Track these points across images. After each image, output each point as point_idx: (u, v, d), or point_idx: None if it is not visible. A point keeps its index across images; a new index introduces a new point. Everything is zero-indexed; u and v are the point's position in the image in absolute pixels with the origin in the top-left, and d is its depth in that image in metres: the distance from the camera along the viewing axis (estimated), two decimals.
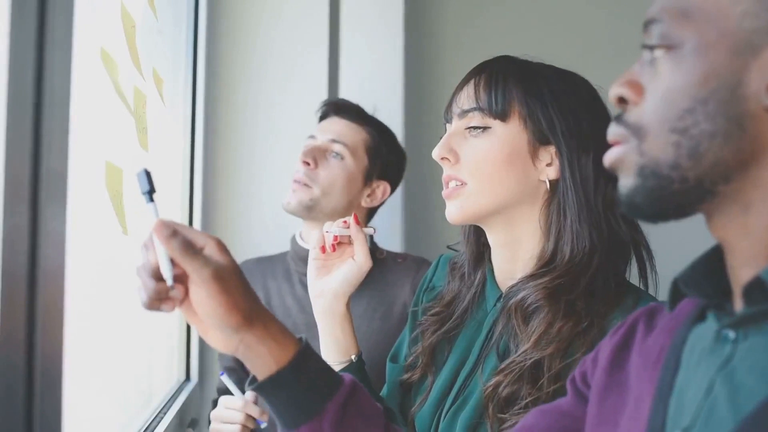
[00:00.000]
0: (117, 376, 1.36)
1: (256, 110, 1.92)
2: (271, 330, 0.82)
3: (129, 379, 1.42)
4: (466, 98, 1.04)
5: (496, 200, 1.02)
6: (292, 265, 1.67)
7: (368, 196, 1.68)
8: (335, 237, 1.14)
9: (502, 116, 1.02)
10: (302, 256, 1.63)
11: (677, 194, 0.62)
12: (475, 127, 1.03)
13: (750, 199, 0.61)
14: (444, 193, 1.05)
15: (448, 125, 1.07)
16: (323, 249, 1.14)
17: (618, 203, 0.68)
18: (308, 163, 1.63)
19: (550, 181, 1.02)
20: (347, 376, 0.88)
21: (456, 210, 1.04)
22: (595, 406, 0.76)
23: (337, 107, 1.70)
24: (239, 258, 1.89)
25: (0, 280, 0.66)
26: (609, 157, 0.67)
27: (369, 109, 1.75)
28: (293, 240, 1.70)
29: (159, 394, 1.59)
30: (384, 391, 1.19)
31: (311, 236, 1.64)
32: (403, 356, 1.18)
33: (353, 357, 1.12)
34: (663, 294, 1.02)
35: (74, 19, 0.77)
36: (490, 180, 1.02)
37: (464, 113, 1.04)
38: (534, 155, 1.02)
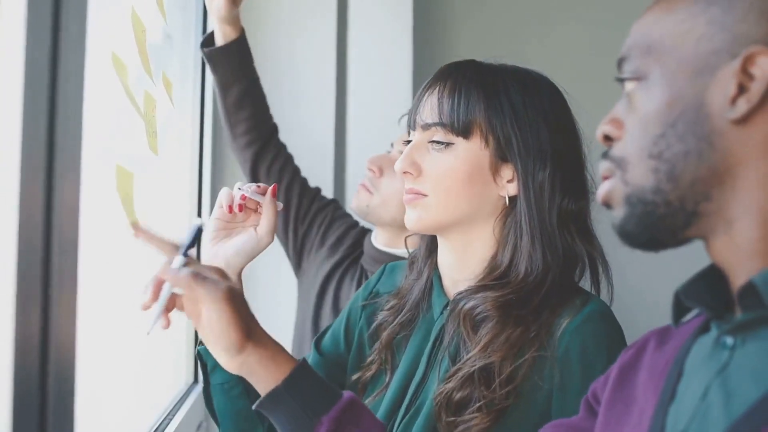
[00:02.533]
0: (125, 379, 1.37)
1: None
2: (269, 350, 0.90)
3: (137, 382, 1.43)
4: (429, 110, 1.04)
5: (455, 214, 1.03)
6: (368, 265, 1.65)
7: None
8: (243, 197, 1.08)
9: (465, 134, 1.02)
10: (375, 257, 1.63)
11: (664, 218, 0.66)
12: (437, 142, 1.03)
13: (733, 215, 0.64)
14: (404, 199, 1.06)
15: (411, 131, 1.07)
16: (230, 209, 1.09)
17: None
18: (373, 170, 1.61)
19: (509, 197, 1.03)
20: (347, 393, 0.92)
21: (415, 219, 1.05)
22: (602, 419, 0.78)
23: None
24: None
25: (15, 281, 0.67)
26: (600, 194, 0.71)
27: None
28: (368, 241, 1.67)
29: (167, 396, 1.59)
30: None
31: (379, 238, 1.64)
32: (325, 346, 1.18)
33: None
34: (617, 304, 1.04)
35: (87, 26, 0.78)
36: (450, 195, 1.02)
37: (428, 126, 1.04)
38: (495, 172, 1.02)
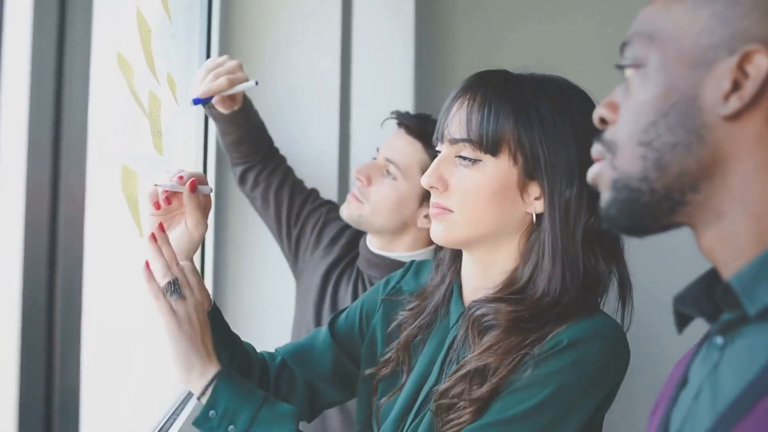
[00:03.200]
0: (130, 378, 1.37)
1: (267, 113, 1.93)
2: None
3: (142, 381, 1.43)
4: (457, 125, 1.02)
5: (481, 231, 1.02)
6: (364, 268, 1.67)
7: (425, 216, 1.60)
8: (165, 191, 1.04)
9: (493, 151, 1.00)
10: (370, 260, 1.64)
11: (649, 205, 0.66)
12: (465, 158, 1.01)
13: (722, 208, 0.64)
14: (431, 212, 1.05)
15: (439, 144, 1.05)
16: (156, 205, 1.07)
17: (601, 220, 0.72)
18: (361, 180, 1.62)
19: (536, 214, 1.01)
20: None
21: (441, 234, 1.04)
22: None
23: (400, 121, 1.63)
24: (250, 259, 1.92)
25: (21, 280, 0.67)
26: (589, 174, 0.72)
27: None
28: (363, 244, 1.68)
29: (172, 395, 1.60)
30: (297, 344, 1.21)
31: (374, 242, 1.66)
32: (341, 328, 1.18)
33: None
34: (637, 325, 1.03)
35: (93, 26, 0.78)
36: (476, 213, 1.01)
37: (455, 141, 1.02)
38: (523, 190, 1.01)
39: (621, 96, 0.70)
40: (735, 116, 0.63)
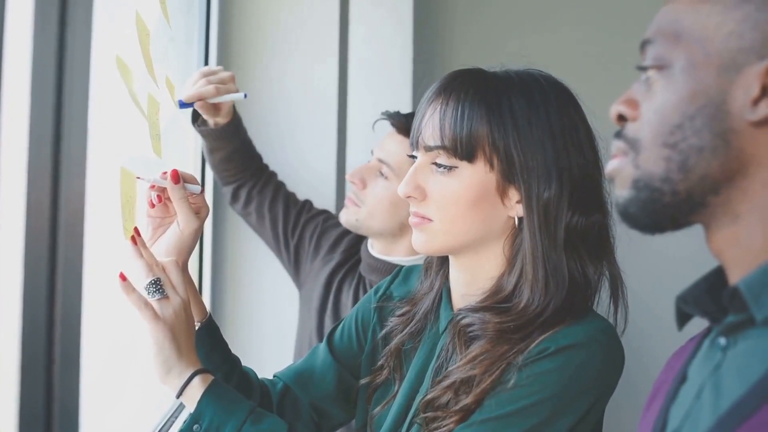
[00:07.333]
0: (129, 379, 1.37)
1: (265, 116, 1.93)
2: None
3: (141, 382, 1.43)
4: (431, 133, 1.00)
5: (463, 239, 1.00)
6: (366, 273, 1.67)
7: None
8: (152, 186, 1.04)
9: (468, 157, 0.98)
10: (372, 265, 1.65)
11: (669, 206, 0.66)
12: (441, 165, 1.00)
13: (739, 211, 0.64)
14: (410, 221, 1.03)
15: (414, 150, 1.03)
16: (151, 203, 1.07)
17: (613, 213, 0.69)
18: (355, 183, 1.62)
19: (518, 218, 0.99)
20: None
21: (422, 244, 1.02)
22: None
23: (391, 120, 1.63)
24: (249, 267, 1.92)
25: (22, 281, 0.67)
26: (608, 169, 0.71)
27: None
28: (365, 249, 1.68)
29: (171, 397, 1.60)
30: (297, 367, 1.18)
31: (375, 246, 1.66)
32: (338, 344, 1.17)
33: (196, 324, 1.09)
34: (631, 328, 1.01)
35: (93, 30, 0.79)
36: (456, 222, 0.99)
37: (430, 149, 1.00)
38: (503, 194, 0.99)
39: (641, 94, 0.69)
40: (763, 122, 0.62)
